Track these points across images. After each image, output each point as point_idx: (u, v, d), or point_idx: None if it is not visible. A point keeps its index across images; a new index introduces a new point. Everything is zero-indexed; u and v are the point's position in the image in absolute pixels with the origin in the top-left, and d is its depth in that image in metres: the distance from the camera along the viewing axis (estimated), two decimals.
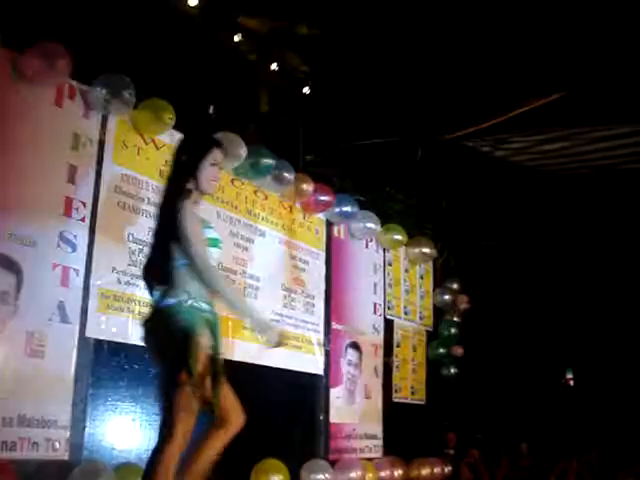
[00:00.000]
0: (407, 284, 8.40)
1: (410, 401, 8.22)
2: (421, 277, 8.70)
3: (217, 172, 3.53)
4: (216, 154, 3.50)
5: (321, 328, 6.92)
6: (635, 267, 10.40)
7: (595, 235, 10.45)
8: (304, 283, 6.79)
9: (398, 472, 7.32)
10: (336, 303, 7.16)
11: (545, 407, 11.09)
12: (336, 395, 7.01)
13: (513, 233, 10.88)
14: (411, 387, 8.26)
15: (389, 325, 7.99)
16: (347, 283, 7.42)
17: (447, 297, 8.88)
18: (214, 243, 3.51)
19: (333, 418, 6.90)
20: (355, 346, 7.39)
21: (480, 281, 10.20)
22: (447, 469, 8.42)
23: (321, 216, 7.14)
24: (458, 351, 8.76)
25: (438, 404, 8.72)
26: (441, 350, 8.67)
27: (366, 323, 7.61)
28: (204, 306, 3.29)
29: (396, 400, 7.95)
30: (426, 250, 8.47)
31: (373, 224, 7.59)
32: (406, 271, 8.42)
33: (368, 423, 7.41)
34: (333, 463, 6.60)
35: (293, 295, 6.62)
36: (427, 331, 8.72)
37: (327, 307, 7.02)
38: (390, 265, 8.14)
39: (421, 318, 8.61)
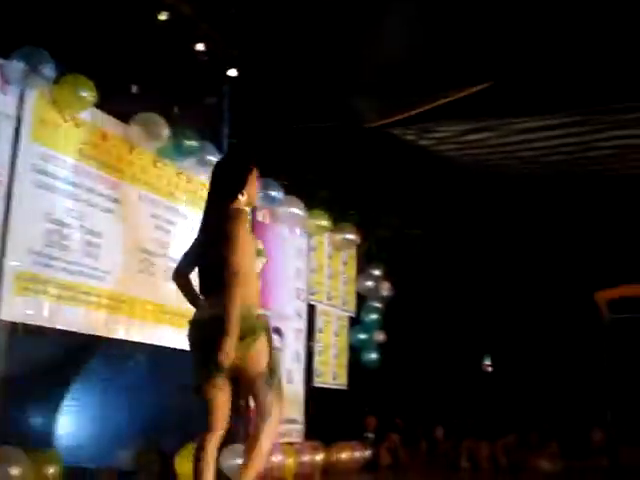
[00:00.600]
0: (330, 270, 8.44)
1: (331, 386, 8.28)
2: (344, 263, 8.75)
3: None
4: (252, 182, 3.68)
5: None
6: (551, 257, 10.71)
7: (516, 225, 10.71)
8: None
9: (318, 456, 7.37)
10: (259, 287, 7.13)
11: (464, 392, 11.35)
12: None
13: (436, 222, 11.06)
14: (333, 372, 8.32)
15: (312, 310, 8.02)
16: (270, 268, 7.39)
17: (370, 283, 8.97)
18: (260, 253, 3.82)
19: (253, 403, 6.88)
20: (277, 331, 7.38)
21: (403, 268, 10.34)
22: (367, 453, 8.54)
23: None
24: (380, 337, 8.86)
25: (359, 389, 8.82)
26: (363, 336, 8.76)
27: (289, 308, 7.62)
28: (254, 313, 3.49)
29: (317, 385, 7.99)
30: (350, 236, 8.53)
31: (298, 209, 7.59)
32: (330, 257, 8.46)
33: (289, 408, 7.42)
34: None
35: None
36: (350, 317, 8.79)
37: None
38: (314, 251, 8.16)
39: (344, 304, 8.67)
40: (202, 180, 6.48)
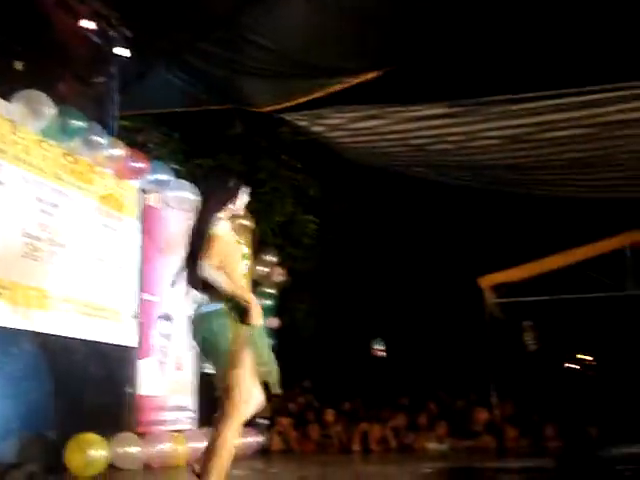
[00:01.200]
0: None
1: None
2: None
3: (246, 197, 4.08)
4: (242, 199, 4.03)
5: (131, 299, 6.73)
6: (437, 243, 10.99)
7: (407, 212, 10.93)
8: (114, 252, 6.57)
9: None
10: (148, 273, 7.00)
11: (355, 375, 11.54)
12: (146, 367, 6.87)
13: (330, 209, 11.16)
14: None
15: None
16: (161, 253, 7.26)
17: (263, 269, 8.93)
18: (245, 256, 3.98)
19: (142, 390, 6.77)
20: (167, 317, 7.27)
21: (296, 253, 10.39)
22: (259, 438, 8.54)
23: (135, 183, 6.91)
24: (273, 323, 8.84)
25: None
26: None
27: (179, 295, 7.50)
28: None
29: (208, 371, 7.90)
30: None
31: (189, 194, 7.47)
32: None
33: (179, 395, 7.34)
34: (142, 436, 6.48)
35: (102, 264, 6.39)
36: None
37: (139, 277, 6.84)
38: None
39: None
40: (89, 161, 6.29)
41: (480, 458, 7.85)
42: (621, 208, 10.19)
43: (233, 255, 3.87)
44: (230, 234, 3.91)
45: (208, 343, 3.82)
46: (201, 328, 3.81)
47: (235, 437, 3.67)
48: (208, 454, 3.58)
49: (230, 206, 3.98)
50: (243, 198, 4.06)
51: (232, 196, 4.00)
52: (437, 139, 8.18)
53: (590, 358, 20.15)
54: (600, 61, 6.59)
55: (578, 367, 20.32)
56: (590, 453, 8.19)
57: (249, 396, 3.82)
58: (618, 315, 13.31)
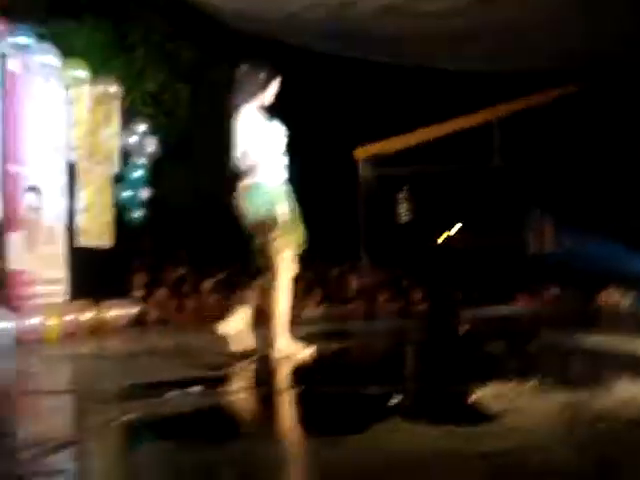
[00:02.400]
0: (91, 125, 8.02)
1: (96, 244, 8.08)
2: (106, 118, 8.34)
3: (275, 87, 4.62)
4: (275, 82, 4.62)
5: None
6: (316, 114, 10.96)
7: (282, 83, 10.76)
8: None
9: (83, 315, 7.27)
10: (11, 144, 6.65)
11: (232, 245, 11.58)
12: (15, 241, 6.65)
13: (204, 76, 10.82)
14: (97, 231, 8.09)
15: (72, 167, 7.65)
16: (24, 123, 6.89)
17: (134, 139, 8.67)
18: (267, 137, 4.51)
19: (12, 265, 6.58)
20: (35, 189, 7.00)
21: (169, 123, 10.11)
22: (134, 310, 8.55)
23: None
24: (145, 194, 8.70)
25: (124, 247, 8.69)
26: (127, 193, 8.54)
27: (47, 165, 7.21)
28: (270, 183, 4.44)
29: (81, 244, 7.77)
30: (112, 89, 8.11)
31: (53, 58, 7.06)
32: (90, 111, 8.01)
33: (51, 268, 7.19)
34: (14, 310, 6.35)
35: None
36: (113, 174, 8.49)
37: (2, 147, 6.49)
38: (72, 104, 7.68)
39: (106, 160, 8.33)
40: None
41: (351, 322, 8.21)
42: (490, 81, 10.44)
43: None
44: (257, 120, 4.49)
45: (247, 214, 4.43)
46: (244, 200, 4.44)
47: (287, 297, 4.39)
48: (272, 320, 4.34)
49: (260, 96, 4.51)
50: (273, 88, 4.58)
51: (263, 87, 4.52)
52: (312, 6, 8.01)
53: (457, 228, 21.11)
54: None
55: (446, 237, 21.29)
56: (452, 314, 8.76)
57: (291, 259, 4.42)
58: (485, 187, 13.93)
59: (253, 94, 4.53)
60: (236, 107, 4.53)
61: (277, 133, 4.59)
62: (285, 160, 4.61)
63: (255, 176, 4.48)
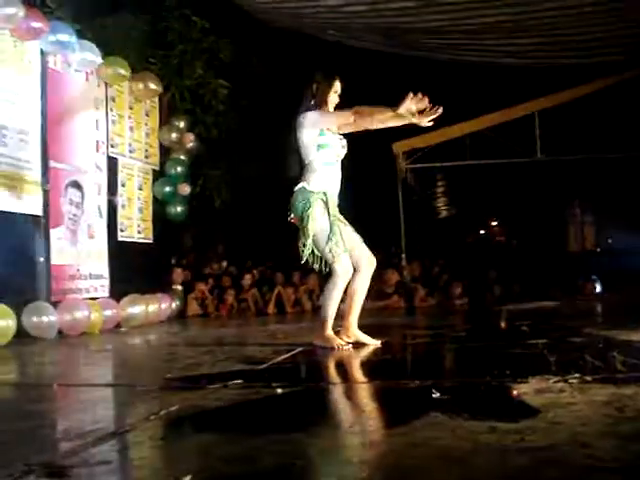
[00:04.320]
0: (132, 121, 8.11)
1: (137, 240, 8.18)
2: (146, 114, 8.43)
3: (337, 98, 4.79)
4: (337, 85, 4.76)
5: (38, 166, 6.52)
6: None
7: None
8: (15, 118, 6.27)
9: (124, 309, 7.36)
10: (54, 140, 6.75)
11: (272, 241, 11.63)
12: (57, 236, 6.76)
13: (242, 73, 10.87)
14: (137, 226, 8.19)
15: (113, 163, 7.75)
16: (66, 119, 6.99)
17: (174, 135, 8.73)
18: (325, 146, 4.65)
19: (55, 260, 6.69)
20: (76, 185, 7.10)
21: (208, 119, 10.18)
22: (175, 304, 8.64)
23: (35, 45, 6.53)
24: (185, 189, 8.76)
25: (165, 242, 8.78)
26: (167, 189, 8.61)
27: (88, 161, 7.31)
28: (321, 189, 4.62)
29: (122, 239, 7.86)
30: (151, 85, 8.18)
31: (93, 56, 7.14)
32: (130, 107, 8.11)
33: (93, 263, 7.29)
34: (56, 305, 6.46)
35: (4, 131, 6.12)
36: (153, 169, 8.59)
37: (44, 144, 6.60)
38: (113, 101, 7.78)
39: (147, 156, 8.43)
40: None
41: (390, 316, 8.18)
42: (530, 75, 10.31)
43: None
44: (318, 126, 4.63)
45: (297, 218, 4.61)
46: (293, 206, 4.62)
47: (339, 292, 4.61)
48: (321, 308, 4.70)
49: (324, 102, 4.68)
50: (336, 86, 4.73)
51: (327, 94, 4.69)
52: (351, 1, 7.99)
53: (496, 223, 20.88)
54: None
55: (486, 231, 21.11)
56: (492, 310, 8.67)
57: (345, 260, 4.58)
58: (528, 180, 13.77)
59: (318, 100, 4.70)
60: (300, 112, 4.68)
61: (332, 144, 4.69)
62: (339, 170, 4.74)
63: (303, 180, 4.65)
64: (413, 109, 4.47)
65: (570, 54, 9.33)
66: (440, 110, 4.53)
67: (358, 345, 4.65)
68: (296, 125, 4.70)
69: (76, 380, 3.90)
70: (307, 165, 4.68)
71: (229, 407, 2.70)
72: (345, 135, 4.80)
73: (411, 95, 4.42)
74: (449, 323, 7.05)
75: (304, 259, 4.61)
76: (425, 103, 4.50)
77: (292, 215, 4.68)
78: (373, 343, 4.68)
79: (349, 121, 4.63)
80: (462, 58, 9.88)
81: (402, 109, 4.42)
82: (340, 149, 4.74)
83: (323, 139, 4.66)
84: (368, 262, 4.78)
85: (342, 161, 4.79)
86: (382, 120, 4.66)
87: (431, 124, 4.64)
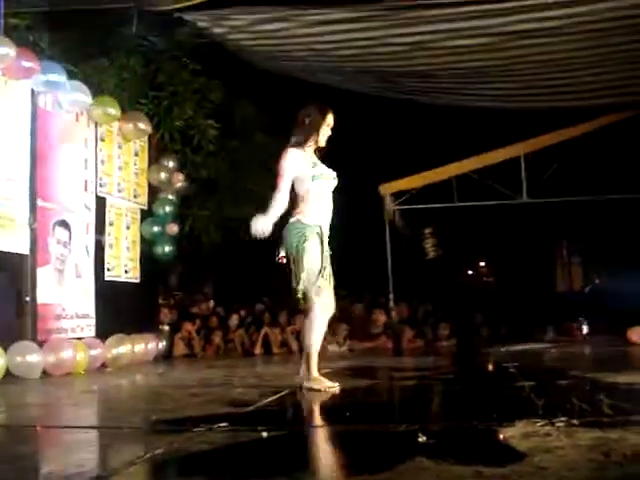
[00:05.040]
0: (121, 160, 8.14)
1: (124, 279, 8.15)
2: (136, 154, 8.47)
3: (329, 131, 4.77)
4: (331, 118, 4.75)
5: (26, 205, 6.52)
6: (342, 150, 11.00)
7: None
8: (3, 157, 6.29)
9: (110, 350, 7.30)
10: (42, 179, 6.77)
11: (259, 281, 11.62)
12: (44, 275, 6.74)
13: (231, 112, 10.96)
14: (125, 265, 8.17)
15: (101, 203, 7.76)
16: (55, 158, 7.02)
17: (163, 175, 8.76)
18: (319, 177, 4.63)
19: (41, 299, 6.65)
20: (64, 224, 7.10)
21: (197, 159, 10.23)
22: (161, 344, 8.59)
23: (25, 84, 6.58)
24: (173, 229, 8.76)
25: (152, 282, 8.75)
26: (156, 228, 8.61)
27: (76, 200, 7.32)
28: (316, 222, 4.59)
29: (109, 279, 7.84)
30: (141, 126, 8.23)
31: (83, 96, 7.19)
32: (120, 147, 8.14)
33: (79, 303, 7.25)
34: (42, 344, 6.41)
35: None
36: (141, 209, 8.59)
37: (32, 183, 6.61)
38: (103, 140, 7.82)
39: (135, 196, 8.44)
40: None
41: (377, 357, 8.16)
42: (516, 118, 10.44)
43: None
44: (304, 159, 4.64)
45: (290, 251, 4.55)
46: (285, 239, 4.58)
47: (321, 330, 4.60)
48: (304, 349, 4.59)
49: (313, 138, 4.68)
50: (329, 119, 4.71)
51: (317, 129, 4.68)
52: (341, 44, 8.09)
53: (483, 264, 20.98)
54: None
55: (473, 272, 21.18)
56: (479, 351, 8.66)
57: (327, 295, 4.59)
58: (515, 222, 13.86)
59: (307, 136, 4.68)
60: (288, 147, 4.66)
61: (325, 175, 4.67)
62: (330, 203, 4.71)
63: (297, 213, 4.59)
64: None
65: (557, 98, 9.47)
66: None
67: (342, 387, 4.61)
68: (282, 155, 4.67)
69: (60, 422, 3.86)
70: (300, 197, 4.62)
71: (214, 451, 2.68)
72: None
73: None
74: (436, 365, 7.03)
75: (299, 295, 4.52)
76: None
77: (281, 254, 4.64)
78: (334, 386, 4.53)
79: (277, 202, 4.55)
80: (450, 102, 10.00)
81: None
82: (332, 180, 4.72)
83: (317, 170, 4.64)
84: (329, 310, 4.70)
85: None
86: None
87: None
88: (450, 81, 9.07)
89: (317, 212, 4.61)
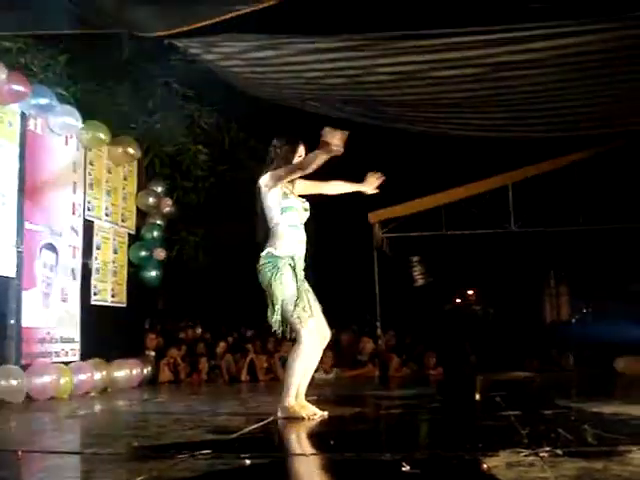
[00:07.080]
0: (109, 185, 8.15)
1: (110, 304, 8.11)
2: (124, 178, 8.47)
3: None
4: (301, 150, 4.76)
5: (13, 227, 6.49)
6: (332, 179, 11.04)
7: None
8: None
9: (95, 374, 7.25)
10: (31, 202, 6.75)
11: (245, 307, 11.56)
12: (30, 298, 6.70)
13: (221, 138, 10.98)
14: (111, 290, 8.13)
15: (89, 227, 7.74)
16: (43, 181, 7.01)
17: (151, 199, 8.76)
18: (289, 209, 4.65)
19: (26, 322, 6.61)
20: (51, 247, 7.07)
21: (186, 184, 10.24)
22: (146, 370, 8.52)
23: (16, 108, 6.59)
24: (160, 254, 8.74)
25: (139, 306, 8.71)
26: (143, 253, 8.59)
27: (64, 224, 7.30)
28: (288, 254, 4.57)
29: (95, 303, 7.80)
30: (130, 151, 8.25)
31: (73, 120, 7.21)
32: (109, 171, 8.15)
33: (64, 327, 7.20)
34: (25, 368, 6.35)
35: None
36: (129, 233, 8.58)
37: (20, 205, 6.59)
38: (92, 164, 7.82)
39: (123, 220, 8.43)
40: None
41: (363, 385, 8.12)
42: (505, 147, 10.52)
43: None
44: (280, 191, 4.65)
45: (264, 284, 4.54)
46: (260, 272, 4.56)
47: (308, 362, 4.59)
48: (285, 376, 4.58)
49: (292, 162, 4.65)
50: (300, 151, 4.73)
51: (289, 156, 4.70)
52: (329, 73, 8.15)
53: (472, 292, 20.99)
54: (492, 2, 6.68)
55: (462, 300, 21.18)
56: (466, 380, 8.64)
57: (314, 327, 4.56)
58: (503, 250, 13.90)
59: (277, 167, 4.67)
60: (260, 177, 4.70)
61: (295, 207, 4.69)
62: (303, 233, 4.71)
63: (269, 245, 4.60)
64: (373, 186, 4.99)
65: (544, 128, 9.55)
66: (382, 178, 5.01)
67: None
68: (257, 191, 4.69)
69: (41, 446, 3.81)
70: (272, 229, 4.64)
71: (196, 478, 2.65)
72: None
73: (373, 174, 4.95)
74: (423, 393, 7.00)
75: (274, 326, 4.53)
76: (380, 180, 5.01)
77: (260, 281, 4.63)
78: (320, 414, 4.53)
79: (298, 174, 4.61)
80: (438, 131, 10.06)
81: (364, 187, 4.97)
82: (303, 212, 4.72)
83: (286, 202, 4.65)
84: (322, 336, 4.71)
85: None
86: (336, 186, 4.97)
87: (377, 191, 5.05)
88: (438, 111, 9.14)
89: (289, 244, 4.61)
